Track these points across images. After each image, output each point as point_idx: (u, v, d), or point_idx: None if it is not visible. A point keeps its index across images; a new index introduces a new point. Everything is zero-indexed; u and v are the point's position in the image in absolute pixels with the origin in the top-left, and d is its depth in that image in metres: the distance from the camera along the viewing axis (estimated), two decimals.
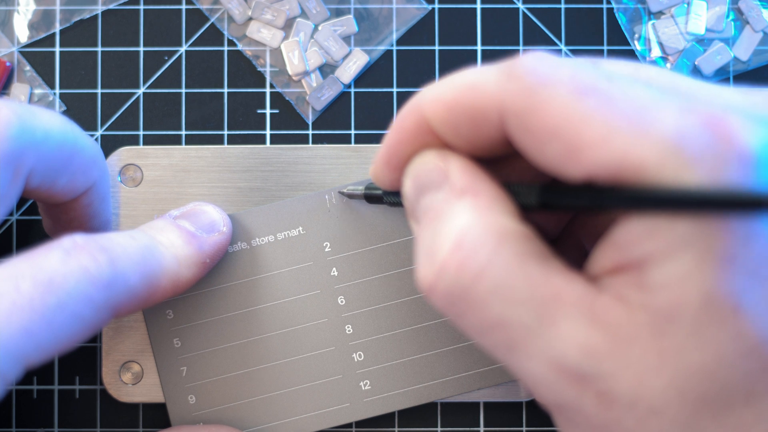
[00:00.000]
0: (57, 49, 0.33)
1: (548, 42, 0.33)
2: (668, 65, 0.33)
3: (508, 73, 0.20)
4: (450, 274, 0.20)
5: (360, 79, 0.33)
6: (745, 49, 0.33)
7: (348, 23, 0.33)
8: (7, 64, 0.32)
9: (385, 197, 0.28)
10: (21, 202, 0.32)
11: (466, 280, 0.20)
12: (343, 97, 0.33)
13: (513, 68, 0.20)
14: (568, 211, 0.25)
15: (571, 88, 0.19)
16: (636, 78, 0.20)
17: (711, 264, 0.18)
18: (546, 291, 0.19)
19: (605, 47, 0.33)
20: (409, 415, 0.31)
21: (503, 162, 0.23)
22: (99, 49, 0.33)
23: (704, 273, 0.18)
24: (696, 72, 0.33)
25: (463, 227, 0.20)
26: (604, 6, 0.33)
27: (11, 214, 0.32)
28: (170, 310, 0.31)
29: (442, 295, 0.21)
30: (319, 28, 0.33)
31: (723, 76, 0.33)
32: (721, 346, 0.18)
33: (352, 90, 0.33)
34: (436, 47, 0.33)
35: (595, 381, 0.19)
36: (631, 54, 0.33)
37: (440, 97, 0.22)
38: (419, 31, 0.33)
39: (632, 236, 0.19)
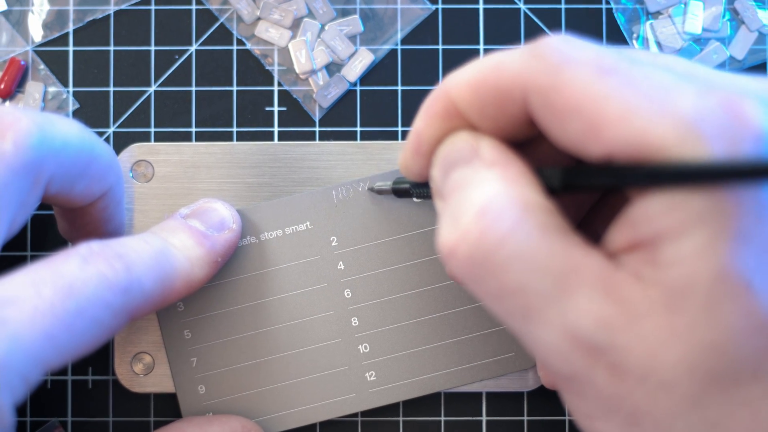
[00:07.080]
0: (70, 49, 0.33)
1: None
2: None
3: (532, 52, 0.21)
4: (472, 239, 0.20)
5: (365, 78, 0.33)
6: (740, 49, 0.33)
7: (354, 23, 0.33)
8: (22, 62, 0.32)
9: (413, 189, 0.27)
10: None
11: (488, 245, 0.20)
12: (349, 95, 0.33)
13: (537, 47, 0.21)
14: (589, 191, 0.25)
15: (594, 67, 0.19)
16: (656, 63, 0.20)
17: (724, 241, 0.18)
18: (565, 263, 0.20)
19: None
20: (413, 405, 0.32)
21: (527, 147, 0.23)
22: (111, 48, 0.33)
23: (717, 250, 0.18)
24: None
25: (490, 195, 0.20)
26: (603, 6, 0.33)
27: None
28: (181, 302, 0.31)
29: (462, 259, 0.21)
30: (326, 27, 0.33)
31: None
32: (732, 323, 0.18)
33: (358, 88, 0.33)
34: (440, 46, 0.33)
35: (607, 352, 0.19)
36: None
37: (466, 78, 0.22)
38: (423, 31, 0.33)
39: (647, 214, 0.19)
